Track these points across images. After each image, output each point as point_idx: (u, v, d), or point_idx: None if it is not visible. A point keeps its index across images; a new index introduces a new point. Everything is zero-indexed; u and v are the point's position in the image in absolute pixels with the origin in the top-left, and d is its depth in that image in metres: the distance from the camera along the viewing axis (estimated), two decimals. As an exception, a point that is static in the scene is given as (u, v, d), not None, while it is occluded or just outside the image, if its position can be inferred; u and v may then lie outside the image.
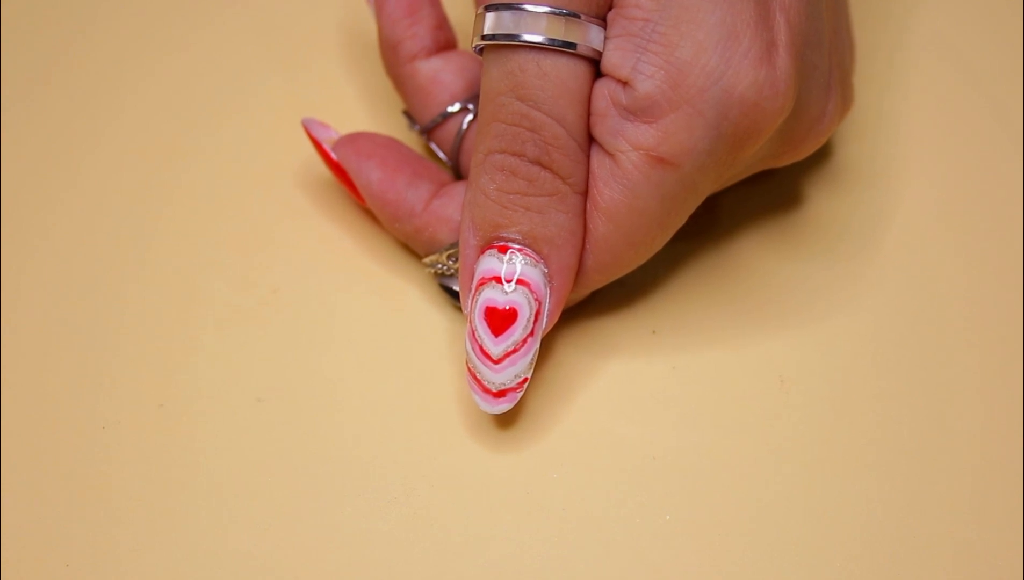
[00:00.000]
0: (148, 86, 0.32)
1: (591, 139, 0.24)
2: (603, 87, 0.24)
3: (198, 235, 0.29)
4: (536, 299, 0.24)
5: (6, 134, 0.31)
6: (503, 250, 0.24)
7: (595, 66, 0.24)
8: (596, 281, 0.26)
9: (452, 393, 0.26)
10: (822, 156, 0.30)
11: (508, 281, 0.24)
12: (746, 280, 0.28)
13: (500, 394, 0.24)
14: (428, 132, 0.28)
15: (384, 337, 0.27)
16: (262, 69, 0.32)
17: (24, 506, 0.25)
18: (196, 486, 0.25)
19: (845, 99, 0.27)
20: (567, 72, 0.23)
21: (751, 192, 0.29)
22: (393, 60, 0.28)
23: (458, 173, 0.28)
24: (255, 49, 0.32)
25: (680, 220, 0.25)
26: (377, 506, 0.25)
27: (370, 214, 0.29)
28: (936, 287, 0.28)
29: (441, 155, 0.28)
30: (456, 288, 0.27)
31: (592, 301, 0.27)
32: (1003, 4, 0.34)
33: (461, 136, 0.27)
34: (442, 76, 0.27)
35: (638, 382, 0.27)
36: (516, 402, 0.25)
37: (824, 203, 0.30)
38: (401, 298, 0.28)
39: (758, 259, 0.29)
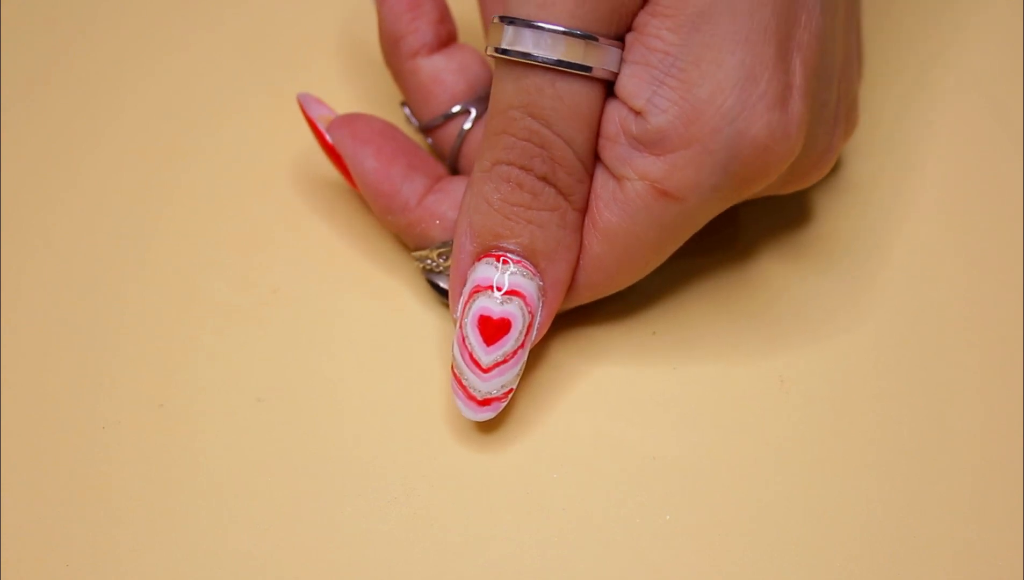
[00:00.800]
0: (148, 86, 0.32)
1: (597, 158, 0.24)
2: (615, 111, 0.24)
3: (198, 235, 0.29)
4: (530, 311, 0.24)
5: (6, 134, 0.31)
6: (499, 260, 0.24)
7: (608, 85, 0.24)
8: (585, 297, 0.26)
9: (452, 394, 0.26)
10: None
11: (500, 290, 0.24)
12: (746, 282, 0.28)
13: (484, 402, 0.24)
14: (427, 131, 0.28)
15: (384, 337, 0.27)
16: (262, 69, 0.32)
17: (24, 506, 0.25)
18: (196, 486, 0.25)
19: (849, 124, 0.27)
20: (580, 96, 0.23)
21: (757, 203, 0.29)
22: (394, 55, 0.28)
23: (454, 172, 0.28)
24: (255, 49, 0.32)
25: (675, 246, 0.25)
26: (377, 506, 0.25)
27: (367, 210, 0.29)
28: (934, 290, 0.28)
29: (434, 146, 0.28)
30: (444, 285, 0.27)
31: (593, 304, 0.27)
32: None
33: (462, 138, 0.27)
34: (444, 76, 0.27)
35: (638, 383, 0.27)
36: (499, 412, 0.25)
37: (830, 214, 0.30)
38: (401, 298, 0.28)
39: (758, 262, 0.29)
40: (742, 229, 0.29)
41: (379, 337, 0.27)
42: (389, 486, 0.25)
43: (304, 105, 0.27)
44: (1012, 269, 0.29)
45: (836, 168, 0.30)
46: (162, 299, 0.28)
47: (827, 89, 0.25)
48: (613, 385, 0.27)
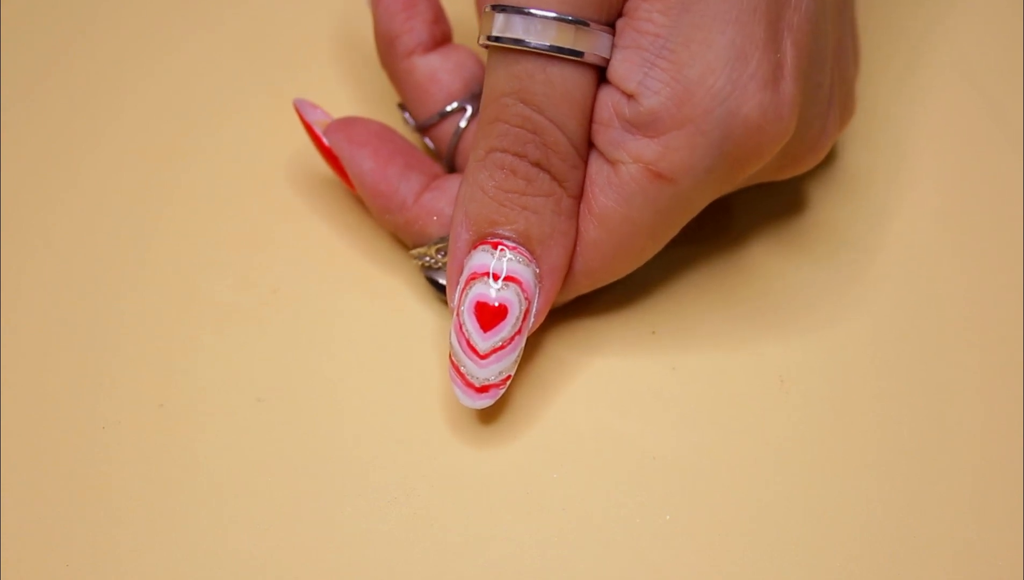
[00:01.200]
0: (148, 86, 0.32)
1: (591, 145, 0.24)
2: (607, 96, 0.24)
3: (198, 235, 0.29)
4: (526, 298, 0.24)
5: (6, 134, 0.31)
6: (495, 246, 0.24)
7: (600, 71, 0.24)
8: (583, 285, 0.26)
9: (452, 393, 0.26)
10: (824, 158, 0.30)
11: (497, 277, 0.24)
12: (746, 281, 0.28)
13: (482, 389, 0.24)
14: (424, 129, 0.28)
15: (384, 337, 0.27)
16: (261, 69, 0.32)
17: (24, 506, 0.25)
18: (196, 486, 0.25)
19: (845, 110, 0.27)
20: (572, 82, 0.23)
21: (753, 193, 0.29)
22: (390, 55, 0.28)
23: (451, 170, 0.28)
24: (255, 49, 0.32)
25: (672, 232, 0.25)
26: (377, 506, 0.25)
27: (365, 208, 0.29)
28: (936, 289, 0.28)
29: (433, 147, 0.28)
30: (442, 282, 0.27)
31: (592, 301, 0.27)
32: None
33: (458, 136, 0.27)
34: (440, 75, 0.27)
35: (638, 382, 0.27)
36: (497, 399, 0.25)
37: (826, 205, 0.30)
38: (401, 298, 0.28)
39: (758, 260, 0.29)
40: (737, 218, 0.29)
41: (379, 337, 0.27)
42: (389, 486, 0.25)
43: (300, 110, 0.28)
44: (1009, 258, 0.29)
45: (831, 157, 0.30)
46: (162, 299, 0.28)
47: (820, 72, 0.25)
48: (613, 384, 0.27)
